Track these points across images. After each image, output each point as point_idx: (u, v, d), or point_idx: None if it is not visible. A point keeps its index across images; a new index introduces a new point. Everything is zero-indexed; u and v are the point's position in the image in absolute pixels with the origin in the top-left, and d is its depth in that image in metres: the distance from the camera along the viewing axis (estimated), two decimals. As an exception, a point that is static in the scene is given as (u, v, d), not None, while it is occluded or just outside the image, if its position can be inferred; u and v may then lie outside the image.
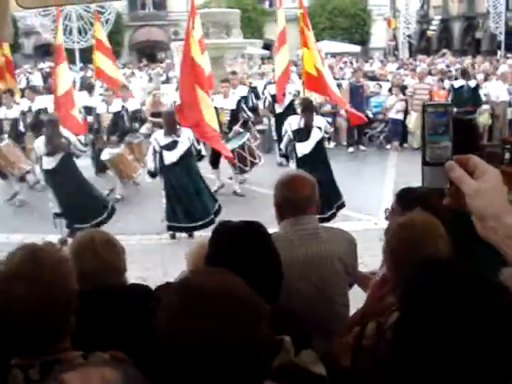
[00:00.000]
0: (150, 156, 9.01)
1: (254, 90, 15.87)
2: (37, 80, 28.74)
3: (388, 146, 15.46)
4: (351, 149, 15.06)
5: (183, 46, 9.12)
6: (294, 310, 2.36)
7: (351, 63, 29.43)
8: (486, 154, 1.95)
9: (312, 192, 3.07)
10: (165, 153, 8.80)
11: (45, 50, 43.06)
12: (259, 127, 15.68)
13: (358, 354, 1.77)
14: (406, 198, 2.85)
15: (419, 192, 2.76)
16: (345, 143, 15.46)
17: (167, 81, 29.61)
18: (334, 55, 34.85)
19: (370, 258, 4.44)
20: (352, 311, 3.18)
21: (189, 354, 1.31)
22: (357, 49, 41.34)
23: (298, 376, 1.72)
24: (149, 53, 45.34)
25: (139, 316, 2.11)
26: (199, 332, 1.31)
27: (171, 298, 1.42)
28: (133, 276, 3.05)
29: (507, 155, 1.94)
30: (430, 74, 18.12)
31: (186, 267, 2.95)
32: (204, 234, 8.03)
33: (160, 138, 8.87)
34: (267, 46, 38.26)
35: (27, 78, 29.08)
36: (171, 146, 8.82)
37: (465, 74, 15.58)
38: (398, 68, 25.59)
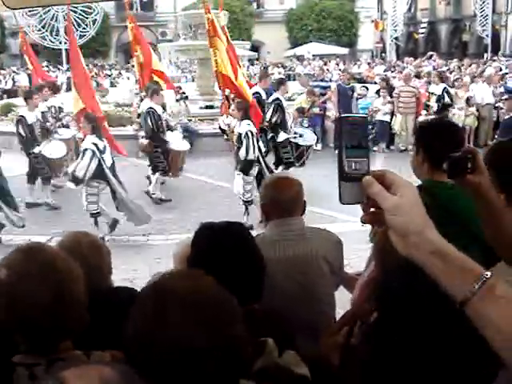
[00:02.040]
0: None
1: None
2: (23, 80, 28.61)
3: (375, 148, 15.51)
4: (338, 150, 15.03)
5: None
6: (278, 310, 2.37)
7: (337, 64, 29.53)
8: (449, 163, 1.95)
9: (298, 193, 3.09)
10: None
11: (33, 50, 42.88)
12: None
13: (346, 354, 1.78)
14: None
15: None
16: (332, 145, 15.50)
17: (155, 82, 29.50)
18: (321, 57, 34.98)
19: (357, 260, 4.46)
20: (338, 312, 3.21)
21: (162, 355, 1.32)
22: (344, 51, 41.56)
23: (280, 377, 1.72)
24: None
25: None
26: (172, 334, 1.32)
27: (144, 301, 1.43)
28: (120, 277, 3.05)
29: (469, 165, 1.97)
30: (417, 76, 18.23)
31: (173, 267, 2.96)
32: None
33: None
34: (255, 48, 38.33)
35: (13, 79, 28.94)
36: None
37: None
38: (386, 70, 25.74)
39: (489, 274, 1.13)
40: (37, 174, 10.96)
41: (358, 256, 4.34)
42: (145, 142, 11.40)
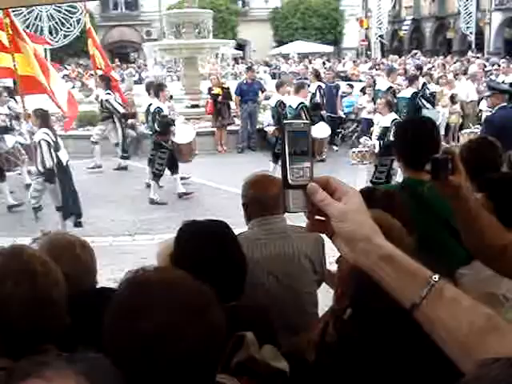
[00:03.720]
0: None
1: (227, 90, 15.95)
2: (7, 81, 28.36)
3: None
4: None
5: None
6: (259, 306, 2.39)
7: (324, 63, 29.58)
8: (432, 164, 1.97)
9: (279, 192, 3.11)
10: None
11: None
12: (232, 127, 15.77)
13: (321, 350, 1.81)
14: (368, 198, 2.89)
15: (381, 192, 2.81)
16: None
17: (140, 81, 29.48)
18: (306, 55, 35.02)
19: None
20: (323, 309, 3.23)
21: (138, 344, 1.34)
22: (330, 49, 41.63)
23: (258, 371, 1.74)
24: (121, 53, 45.12)
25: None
26: (148, 321, 1.34)
27: (119, 292, 1.47)
28: (105, 277, 3.06)
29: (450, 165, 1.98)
30: (404, 74, 18.33)
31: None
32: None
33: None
34: (240, 47, 38.31)
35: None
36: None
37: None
38: (370, 68, 25.82)
39: (437, 277, 1.13)
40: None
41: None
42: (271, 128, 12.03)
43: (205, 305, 1.41)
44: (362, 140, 11.07)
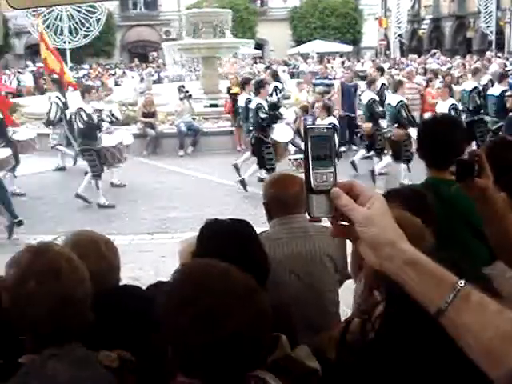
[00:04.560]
0: None
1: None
2: (28, 80, 28.70)
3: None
4: (343, 148, 15.09)
5: None
6: (281, 305, 2.39)
7: (343, 63, 29.50)
8: (457, 167, 1.96)
9: (300, 191, 3.10)
10: None
11: (36, 50, 43.00)
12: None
13: (342, 349, 1.81)
14: (396, 197, 2.88)
15: (410, 191, 2.80)
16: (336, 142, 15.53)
17: (159, 81, 29.62)
18: (325, 55, 34.94)
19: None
20: (343, 309, 3.23)
21: (196, 322, 1.44)
22: (348, 48, 41.50)
23: (293, 370, 1.76)
24: (140, 53, 45.35)
25: (134, 316, 2.14)
26: (200, 305, 1.45)
27: (172, 283, 1.58)
28: (125, 276, 3.07)
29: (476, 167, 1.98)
30: (424, 73, 18.23)
31: (178, 264, 2.98)
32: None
33: None
34: (259, 46, 38.33)
35: (18, 78, 29.01)
36: None
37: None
38: (390, 67, 25.69)
39: (462, 282, 1.11)
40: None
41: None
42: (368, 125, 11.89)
43: (252, 290, 1.52)
44: None
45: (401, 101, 11.27)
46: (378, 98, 12.09)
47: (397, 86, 11.74)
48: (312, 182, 1.18)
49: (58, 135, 13.84)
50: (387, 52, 44.04)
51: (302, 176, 1.20)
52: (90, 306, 1.92)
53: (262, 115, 10.96)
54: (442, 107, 11.87)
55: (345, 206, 1.15)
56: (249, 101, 11.85)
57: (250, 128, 11.43)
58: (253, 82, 14.03)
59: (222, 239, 2.26)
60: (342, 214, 1.17)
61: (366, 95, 12.50)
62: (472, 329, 1.09)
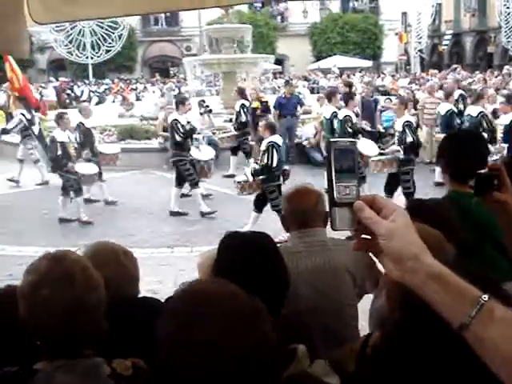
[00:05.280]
0: None
1: (265, 103, 16.06)
2: (51, 95, 29.01)
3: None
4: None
5: None
6: (301, 319, 2.39)
7: (362, 77, 29.48)
8: (476, 181, 1.96)
9: (317, 203, 3.10)
10: None
11: (59, 65, 43.58)
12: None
13: (361, 362, 1.79)
14: (418, 210, 2.87)
15: (432, 204, 2.79)
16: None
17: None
18: (345, 70, 34.94)
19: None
20: (361, 324, 3.20)
21: (190, 350, 1.36)
22: (368, 63, 41.49)
23: None
24: (161, 68, 45.75)
25: (150, 327, 2.14)
26: (201, 329, 1.37)
27: (174, 302, 1.50)
28: (144, 289, 3.08)
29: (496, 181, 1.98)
30: (441, 88, 18.13)
31: (198, 277, 2.99)
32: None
33: None
34: (279, 61, 38.46)
35: (40, 93, 29.34)
36: None
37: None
38: (410, 83, 25.65)
39: (486, 296, 1.11)
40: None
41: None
42: None
43: (256, 315, 1.43)
44: None
45: (481, 111, 11.52)
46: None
47: (477, 98, 11.99)
48: (335, 194, 1.19)
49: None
50: (407, 67, 43.98)
51: (320, 190, 1.21)
52: (104, 314, 1.93)
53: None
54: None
55: (368, 219, 1.16)
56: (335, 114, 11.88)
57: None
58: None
59: (242, 251, 2.26)
60: (364, 227, 1.17)
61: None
62: (496, 343, 1.08)
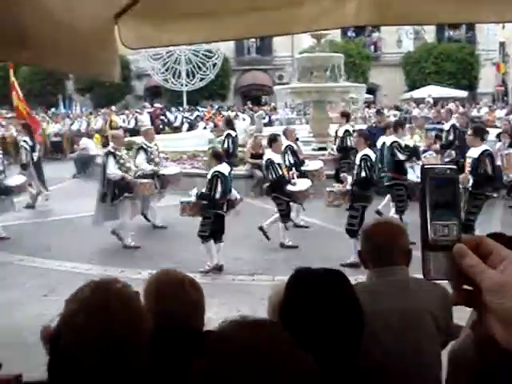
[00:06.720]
0: None
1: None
2: (145, 120, 29.94)
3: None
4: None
5: None
6: (376, 359, 2.21)
7: (457, 107, 28.73)
8: None
9: (399, 240, 2.91)
10: None
11: (155, 92, 45.07)
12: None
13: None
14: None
15: (505, 238, 2.56)
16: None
17: (270, 123, 30.07)
18: (439, 100, 34.24)
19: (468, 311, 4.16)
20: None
21: None
22: (463, 94, 40.42)
23: None
24: (253, 96, 46.41)
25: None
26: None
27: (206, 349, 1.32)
28: (220, 316, 2.99)
29: None
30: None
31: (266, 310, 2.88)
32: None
33: None
34: (371, 91, 38.18)
35: (136, 119, 30.36)
36: None
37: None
38: (507, 114, 24.76)
39: None
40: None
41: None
42: None
43: (300, 379, 1.21)
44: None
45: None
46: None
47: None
48: (430, 235, 0.96)
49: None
50: (505, 98, 42.57)
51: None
52: (146, 349, 1.83)
53: None
54: None
55: (471, 267, 0.93)
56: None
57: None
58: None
59: (312, 290, 2.10)
60: (466, 276, 0.95)
61: None
62: None
